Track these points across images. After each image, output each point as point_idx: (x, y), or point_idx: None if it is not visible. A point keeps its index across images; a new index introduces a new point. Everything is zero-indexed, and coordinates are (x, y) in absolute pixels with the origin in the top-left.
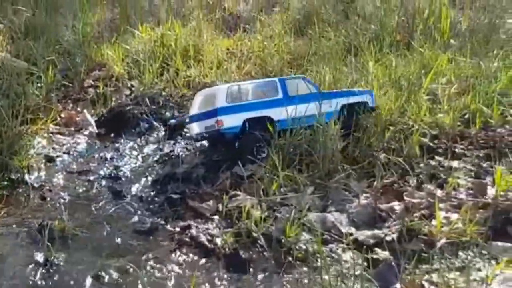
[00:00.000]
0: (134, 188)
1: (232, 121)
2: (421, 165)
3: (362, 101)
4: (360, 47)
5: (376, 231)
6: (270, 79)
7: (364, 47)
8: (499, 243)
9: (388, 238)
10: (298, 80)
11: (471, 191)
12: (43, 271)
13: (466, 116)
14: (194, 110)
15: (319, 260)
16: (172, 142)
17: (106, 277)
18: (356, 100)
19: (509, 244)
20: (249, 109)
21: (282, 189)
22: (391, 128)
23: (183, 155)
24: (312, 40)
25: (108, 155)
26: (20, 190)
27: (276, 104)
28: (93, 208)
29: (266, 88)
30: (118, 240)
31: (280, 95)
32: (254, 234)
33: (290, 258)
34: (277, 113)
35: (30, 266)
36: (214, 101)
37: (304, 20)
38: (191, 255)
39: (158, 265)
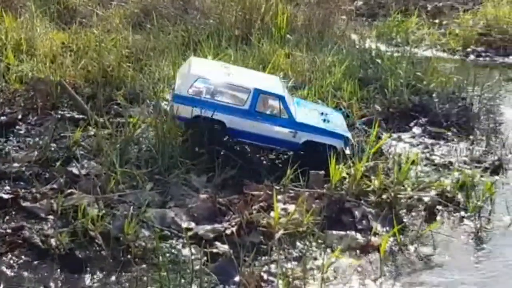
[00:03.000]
0: None
1: (184, 112)
2: (260, 158)
3: (328, 143)
4: (199, 42)
5: (216, 225)
6: (245, 85)
7: (203, 42)
8: (334, 232)
9: (227, 232)
10: (274, 98)
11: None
12: None
13: None
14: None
15: (160, 256)
16: (3, 140)
17: None
18: (322, 140)
19: (343, 232)
20: (204, 106)
21: (120, 186)
22: None
23: (15, 153)
24: (151, 34)
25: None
26: None
27: (233, 112)
28: None
29: (237, 93)
30: None
31: (246, 106)
32: (91, 233)
33: (128, 256)
34: (233, 122)
35: None
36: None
37: (142, 15)
38: (23, 257)
39: None
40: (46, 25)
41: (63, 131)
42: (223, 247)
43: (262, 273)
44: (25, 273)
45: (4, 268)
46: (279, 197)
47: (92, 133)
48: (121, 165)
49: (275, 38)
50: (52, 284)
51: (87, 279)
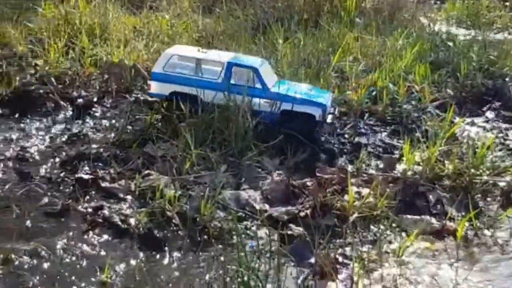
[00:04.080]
0: (43, 170)
1: (160, 88)
2: (331, 141)
3: (306, 112)
4: (269, 26)
5: (290, 208)
6: (219, 59)
7: (272, 26)
8: (409, 216)
9: (302, 214)
10: (247, 70)
11: (380, 166)
12: None
13: (374, 93)
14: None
15: (234, 237)
16: (80, 122)
17: (17, 261)
18: (299, 109)
19: (417, 217)
20: (178, 82)
21: (195, 168)
22: None
23: (93, 135)
24: (221, 18)
25: (14, 136)
26: None
27: (208, 87)
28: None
29: (211, 67)
30: (28, 223)
31: (219, 79)
32: (169, 213)
33: (205, 236)
34: (207, 96)
35: None
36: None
37: None
38: (104, 235)
39: (70, 247)
40: (117, 10)
41: (138, 114)
42: (298, 229)
43: (337, 256)
44: (106, 251)
45: (85, 246)
46: (353, 180)
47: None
48: (195, 147)
49: (344, 21)
50: (132, 262)
51: (166, 258)
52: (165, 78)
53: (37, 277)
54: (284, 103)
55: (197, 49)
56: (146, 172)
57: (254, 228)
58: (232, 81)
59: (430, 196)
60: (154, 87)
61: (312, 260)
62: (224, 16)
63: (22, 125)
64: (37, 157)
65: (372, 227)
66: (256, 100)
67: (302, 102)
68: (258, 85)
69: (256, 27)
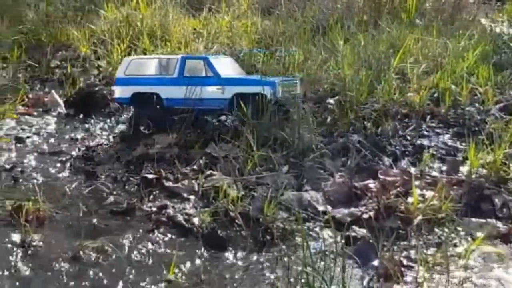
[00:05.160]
0: (108, 169)
1: (123, 92)
2: (393, 143)
3: (257, 92)
4: (328, 27)
5: (353, 209)
6: (173, 56)
7: (332, 27)
8: (474, 219)
9: (365, 216)
10: (199, 61)
11: (444, 169)
12: (21, 252)
13: (435, 95)
14: None
15: (298, 238)
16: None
17: (85, 258)
18: (250, 90)
19: (483, 220)
20: (138, 83)
21: (257, 169)
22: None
23: (156, 135)
24: (280, 20)
25: (79, 136)
26: None
27: (165, 83)
28: (67, 189)
29: (166, 65)
30: (95, 221)
31: (175, 75)
32: (232, 213)
33: (268, 237)
34: (166, 92)
35: (7, 247)
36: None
37: (270, 0)
38: (169, 234)
39: (136, 245)
40: (178, 12)
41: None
42: (361, 231)
43: (401, 258)
44: (171, 250)
45: (151, 245)
46: (416, 182)
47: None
48: (257, 148)
49: (404, 22)
50: (197, 261)
51: (230, 257)
52: (126, 81)
53: (105, 274)
54: (235, 86)
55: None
56: (209, 172)
57: (317, 229)
58: (187, 74)
59: (496, 200)
60: (117, 92)
61: (376, 263)
62: (283, 18)
63: (86, 125)
64: (102, 157)
65: (436, 230)
66: (209, 88)
67: (252, 83)
68: (210, 74)
69: (315, 29)
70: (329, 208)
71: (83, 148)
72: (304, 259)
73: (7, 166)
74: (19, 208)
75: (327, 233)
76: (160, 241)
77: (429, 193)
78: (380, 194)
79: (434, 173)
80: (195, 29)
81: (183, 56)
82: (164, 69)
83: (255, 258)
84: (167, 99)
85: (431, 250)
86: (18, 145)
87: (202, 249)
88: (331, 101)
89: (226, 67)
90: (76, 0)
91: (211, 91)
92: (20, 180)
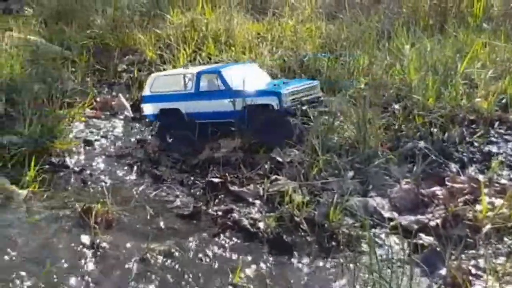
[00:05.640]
0: (174, 172)
1: (150, 109)
2: (460, 150)
3: (265, 103)
4: (393, 31)
5: (420, 216)
6: (190, 71)
7: (397, 31)
8: None
9: (432, 223)
10: (212, 75)
11: None
12: (90, 253)
13: (504, 101)
14: None
15: (363, 244)
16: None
17: (152, 260)
18: (258, 102)
19: None
20: (162, 100)
21: (322, 174)
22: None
23: (221, 139)
24: (344, 24)
25: (146, 139)
26: (61, 174)
27: (184, 98)
28: (134, 192)
29: (185, 81)
30: (162, 224)
31: (192, 90)
32: (297, 219)
33: (334, 243)
34: (185, 107)
35: (77, 249)
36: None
37: (334, 4)
38: (234, 239)
39: (202, 249)
40: (242, 16)
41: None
42: (428, 239)
43: (470, 267)
44: (236, 254)
45: (216, 249)
46: (485, 190)
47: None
48: (322, 153)
49: (471, 26)
50: (262, 266)
51: (295, 263)
52: (152, 99)
53: (171, 277)
54: (245, 98)
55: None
56: (274, 177)
57: (382, 236)
58: (202, 89)
59: None
60: (146, 109)
61: (444, 271)
62: (347, 22)
63: (152, 128)
64: (168, 160)
65: (506, 239)
66: (221, 102)
67: (258, 94)
68: (223, 88)
69: (380, 33)
70: (395, 214)
71: (150, 151)
72: (370, 266)
73: (77, 169)
74: (88, 210)
75: (393, 240)
76: (226, 245)
77: (498, 201)
78: (448, 202)
79: (503, 181)
80: (259, 34)
81: (199, 71)
82: (184, 85)
83: (320, 264)
84: (186, 114)
85: (501, 260)
86: (87, 148)
87: (267, 254)
88: (396, 106)
89: (245, 77)
90: (142, 5)
91: (224, 104)
92: (89, 182)
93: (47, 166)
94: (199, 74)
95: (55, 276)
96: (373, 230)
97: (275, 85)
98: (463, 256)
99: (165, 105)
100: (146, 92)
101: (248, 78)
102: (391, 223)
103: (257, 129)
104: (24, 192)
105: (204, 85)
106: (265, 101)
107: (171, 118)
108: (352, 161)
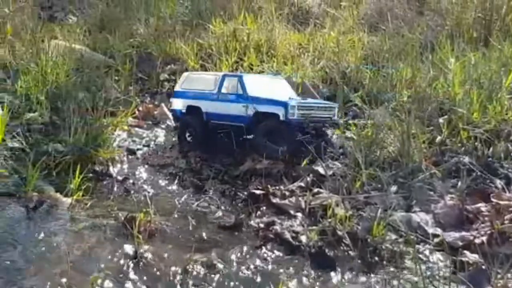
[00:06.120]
0: (216, 183)
1: (178, 104)
2: (506, 166)
3: (273, 112)
4: (437, 44)
5: (464, 233)
6: (218, 73)
7: (440, 44)
8: None
9: (477, 241)
10: (235, 79)
11: None
12: (132, 263)
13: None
14: None
15: (407, 260)
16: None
17: (194, 272)
18: (268, 110)
19: None
20: (188, 97)
21: (365, 188)
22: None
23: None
24: (387, 36)
25: (188, 149)
26: (105, 183)
27: (207, 98)
28: (176, 202)
29: (211, 81)
30: (203, 235)
31: (214, 91)
32: (339, 233)
33: (376, 258)
34: (206, 106)
35: (120, 258)
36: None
37: (376, 16)
38: (276, 251)
39: (244, 261)
40: (283, 27)
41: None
42: (473, 256)
43: None
44: (278, 267)
45: (258, 261)
46: None
47: (330, 134)
48: (365, 166)
49: None
50: (304, 280)
51: (337, 277)
52: (181, 94)
53: None
54: (257, 105)
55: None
56: (316, 190)
57: (426, 252)
58: (223, 91)
59: None
60: (174, 104)
61: None
62: (390, 34)
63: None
64: (209, 171)
65: None
66: (237, 105)
67: (267, 103)
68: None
69: (423, 46)
70: (440, 231)
71: (192, 162)
72: (415, 283)
73: (120, 178)
74: (131, 219)
75: (437, 256)
76: (268, 258)
77: None
78: (494, 219)
79: None
80: (300, 44)
81: (224, 74)
82: (209, 85)
83: (363, 279)
84: (206, 113)
85: None
86: (130, 156)
87: (309, 267)
88: (440, 120)
89: (265, 86)
90: (184, 15)
91: (238, 108)
92: (132, 191)
93: (90, 175)
94: (224, 77)
95: (98, 286)
96: (416, 246)
97: (290, 98)
98: (509, 275)
99: (191, 102)
100: (177, 87)
101: (269, 88)
102: (435, 240)
103: (260, 135)
104: (68, 200)
105: (226, 87)
106: (273, 110)
107: (193, 116)
108: (396, 176)
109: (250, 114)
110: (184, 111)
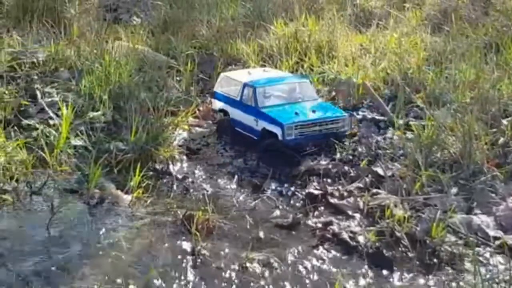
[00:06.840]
0: (274, 182)
1: (217, 105)
2: None
3: (271, 130)
4: (502, 45)
5: None
6: (240, 81)
7: (505, 45)
8: None
9: None
10: (251, 89)
11: None
12: (190, 260)
13: None
14: None
15: (467, 263)
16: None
17: (251, 269)
18: (269, 128)
19: None
20: (221, 99)
21: (424, 189)
22: None
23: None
24: (450, 37)
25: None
26: (164, 181)
27: (232, 104)
28: (234, 201)
29: (238, 87)
30: (261, 234)
31: (238, 98)
32: (397, 234)
33: (435, 260)
34: (232, 112)
35: (178, 255)
36: None
37: (440, 17)
38: (333, 251)
39: (301, 260)
40: (345, 28)
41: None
42: None
43: None
44: (335, 267)
45: (315, 261)
46: None
47: (390, 134)
48: (425, 168)
49: None
50: (361, 280)
51: (395, 278)
52: (218, 96)
53: (270, 286)
54: (262, 121)
55: (247, 71)
56: (375, 190)
57: (487, 255)
58: (244, 99)
59: None
60: (214, 104)
61: None
62: (454, 35)
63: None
64: (269, 170)
65: None
66: (249, 117)
67: (268, 120)
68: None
69: (488, 46)
70: (501, 233)
71: (251, 161)
72: (474, 285)
73: (179, 176)
74: (190, 217)
75: (497, 259)
76: (325, 257)
77: None
78: None
79: None
80: (362, 45)
81: (245, 82)
82: (235, 91)
83: (421, 281)
84: (232, 120)
85: None
86: (189, 155)
87: (367, 268)
88: (504, 121)
89: (280, 97)
90: (246, 16)
91: (250, 120)
92: (191, 190)
93: (151, 173)
94: (244, 85)
95: (156, 281)
96: (476, 248)
97: (296, 113)
98: None
99: (222, 105)
100: (216, 88)
101: (283, 98)
102: (496, 242)
103: (261, 151)
104: (128, 197)
105: (245, 96)
106: (272, 129)
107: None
108: (456, 177)
109: (259, 128)
110: (221, 113)
